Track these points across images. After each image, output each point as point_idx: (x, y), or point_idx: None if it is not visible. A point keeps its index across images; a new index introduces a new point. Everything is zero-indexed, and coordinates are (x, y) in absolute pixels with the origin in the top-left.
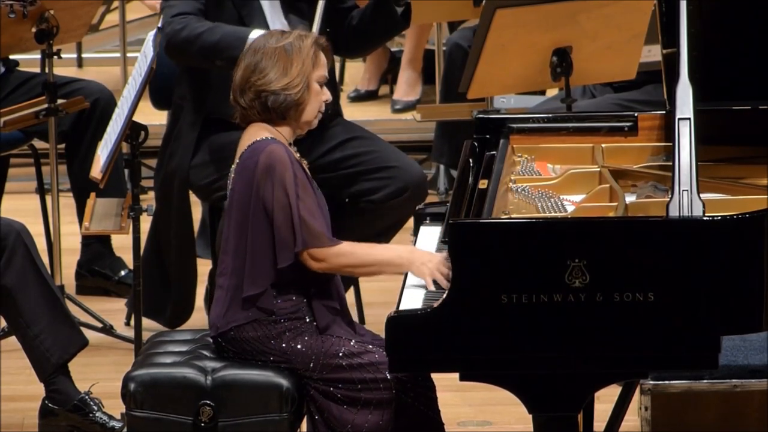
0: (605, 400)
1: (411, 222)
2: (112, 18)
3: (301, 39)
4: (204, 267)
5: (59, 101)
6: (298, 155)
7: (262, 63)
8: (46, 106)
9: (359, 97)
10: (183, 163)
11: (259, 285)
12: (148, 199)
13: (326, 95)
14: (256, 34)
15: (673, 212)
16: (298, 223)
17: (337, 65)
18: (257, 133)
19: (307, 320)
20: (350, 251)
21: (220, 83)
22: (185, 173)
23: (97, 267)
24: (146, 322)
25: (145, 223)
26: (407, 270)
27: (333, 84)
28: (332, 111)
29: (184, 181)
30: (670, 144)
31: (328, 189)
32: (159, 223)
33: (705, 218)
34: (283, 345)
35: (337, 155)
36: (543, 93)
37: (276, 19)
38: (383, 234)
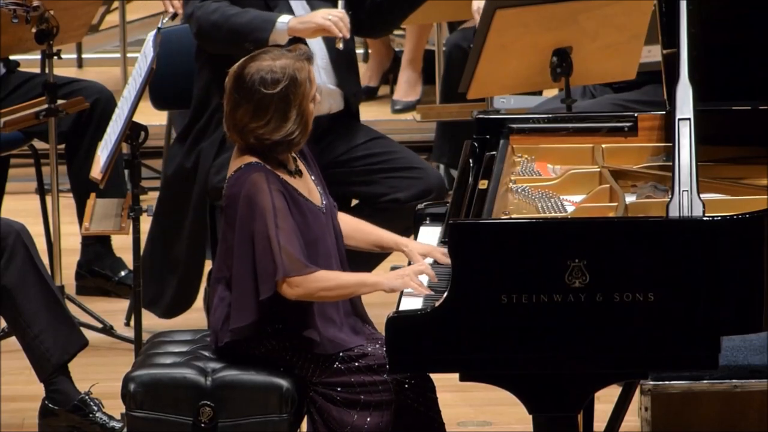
0: (605, 400)
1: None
2: (112, 18)
3: (297, 70)
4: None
5: (59, 102)
6: (293, 168)
7: (260, 110)
8: (46, 106)
9: None
10: (207, 159)
11: (246, 318)
12: (148, 200)
13: (317, 100)
14: (285, 18)
15: (673, 212)
16: (278, 252)
17: None
18: (244, 157)
19: (302, 336)
20: (325, 276)
21: None
22: (207, 172)
23: (97, 267)
24: (146, 322)
25: (145, 223)
26: (380, 287)
27: (355, 75)
28: (355, 103)
29: (205, 181)
30: (670, 144)
31: (348, 185)
32: (166, 216)
33: (705, 218)
34: (282, 353)
35: (364, 151)
36: (540, 93)
37: (299, 5)
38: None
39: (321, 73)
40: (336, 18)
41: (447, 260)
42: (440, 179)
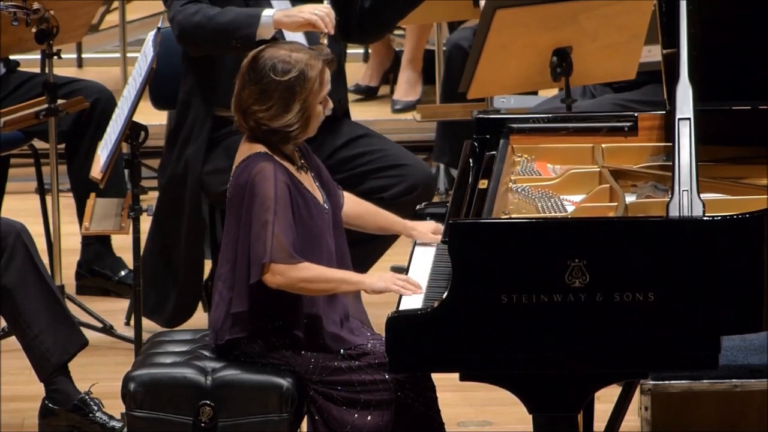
0: (605, 400)
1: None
2: (112, 18)
3: (309, 66)
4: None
5: (59, 101)
6: (299, 164)
7: (265, 94)
8: (46, 106)
9: (359, 91)
10: (196, 158)
11: (245, 303)
12: (148, 199)
13: (329, 106)
14: (270, 11)
15: (673, 212)
16: (270, 237)
17: None
18: (252, 146)
19: (302, 333)
20: (307, 267)
21: (228, 73)
22: (198, 178)
23: (97, 267)
24: (146, 322)
25: (145, 223)
26: (362, 287)
27: (343, 81)
28: (341, 109)
29: (197, 187)
30: (670, 144)
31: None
32: (164, 221)
33: (705, 218)
34: (282, 350)
35: (347, 153)
36: (535, 93)
37: (282, 5)
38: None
39: None
40: (323, 13)
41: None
42: (426, 174)
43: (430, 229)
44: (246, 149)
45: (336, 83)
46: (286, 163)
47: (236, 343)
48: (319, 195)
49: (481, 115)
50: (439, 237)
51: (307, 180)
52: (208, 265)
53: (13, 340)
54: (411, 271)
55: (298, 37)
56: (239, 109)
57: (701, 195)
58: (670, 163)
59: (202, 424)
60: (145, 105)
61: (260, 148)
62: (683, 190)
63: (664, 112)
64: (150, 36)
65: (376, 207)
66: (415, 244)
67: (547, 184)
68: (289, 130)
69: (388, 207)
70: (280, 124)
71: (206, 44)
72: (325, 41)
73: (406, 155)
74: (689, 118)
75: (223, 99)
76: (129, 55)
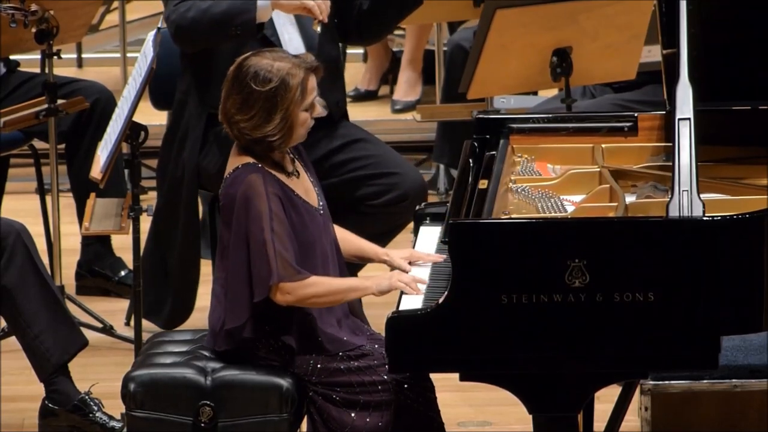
0: (605, 400)
1: (411, 222)
2: (112, 18)
3: (291, 75)
4: (204, 267)
5: (59, 101)
6: (290, 170)
7: (247, 104)
8: (46, 106)
9: (359, 97)
10: (192, 159)
11: (239, 318)
12: (148, 199)
13: (317, 111)
14: None
15: (673, 212)
16: (273, 257)
17: None
18: (241, 157)
19: (299, 336)
20: (316, 282)
21: (223, 72)
22: (194, 168)
23: (97, 267)
24: (146, 322)
25: (145, 223)
26: (370, 291)
27: (340, 82)
28: (339, 111)
29: (193, 177)
30: (670, 144)
31: (329, 193)
32: (162, 223)
33: (705, 218)
34: (281, 353)
35: (341, 157)
36: (535, 93)
37: None
38: (381, 237)
39: None
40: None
41: (430, 259)
42: (417, 183)
43: (403, 255)
44: (235, 160)
45: (334, 85)
46: (275, 172)
47: (233, 348)
48: (314, 197)
49: (481, 115)
50: (424, 269)
51: (300, 185)
52: (208, 265)
53: (13, 340)
54: (416, 247)
55: (292, 30)
56: (225, 117)
57: (701, 195)
58: (670, 164)
59: (202, 425)
60: (145, 105)
61: (248, 159)
62: (683, 190)
63: (664, 112)
64: (150, 36)
65: (351, 234)
66: (414, 244)
67: (547, 184)
68: (271, 140)
69: (380, 214)
70: (262, 134)
71: (204, 37)
72: (318, 29)
73: (400, 163)
74: (689, 118)
75: (217, 98)
76: (129, 55)
